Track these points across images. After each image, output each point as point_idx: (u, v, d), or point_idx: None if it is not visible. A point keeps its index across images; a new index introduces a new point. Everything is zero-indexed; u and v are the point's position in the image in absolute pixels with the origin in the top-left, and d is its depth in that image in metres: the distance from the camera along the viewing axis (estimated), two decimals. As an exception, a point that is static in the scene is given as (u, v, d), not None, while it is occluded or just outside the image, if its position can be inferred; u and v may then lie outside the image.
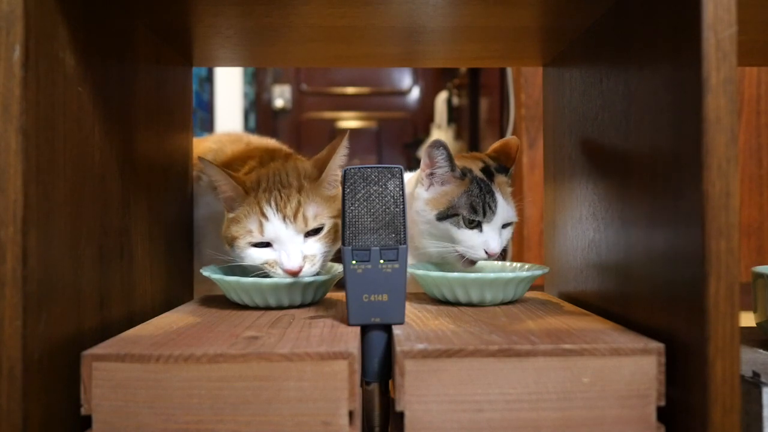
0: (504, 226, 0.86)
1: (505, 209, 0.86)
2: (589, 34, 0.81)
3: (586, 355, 0.57)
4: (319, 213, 0.80)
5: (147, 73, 0.81)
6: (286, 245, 0.78)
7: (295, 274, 0.77)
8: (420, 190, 0.87)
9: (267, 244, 0.79)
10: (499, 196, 0.85)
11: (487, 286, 0.78)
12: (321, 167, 0.84)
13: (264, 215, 0.78)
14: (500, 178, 0.88)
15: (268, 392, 0.56)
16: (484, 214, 0.84)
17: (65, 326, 0.59)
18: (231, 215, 0.82)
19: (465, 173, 0.86)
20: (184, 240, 0.96)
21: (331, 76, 3.78)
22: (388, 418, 0.65)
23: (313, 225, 0.80)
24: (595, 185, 0.78)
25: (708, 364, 0.52)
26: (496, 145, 0.94)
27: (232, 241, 0.81)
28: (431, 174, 0.86)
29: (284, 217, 0.78)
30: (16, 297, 0.52)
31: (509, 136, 0.94)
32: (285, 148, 1.00)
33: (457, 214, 0.84)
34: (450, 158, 0.85)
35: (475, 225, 0.84)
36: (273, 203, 0.79)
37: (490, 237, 0.84)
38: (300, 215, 0.79)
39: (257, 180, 0.82)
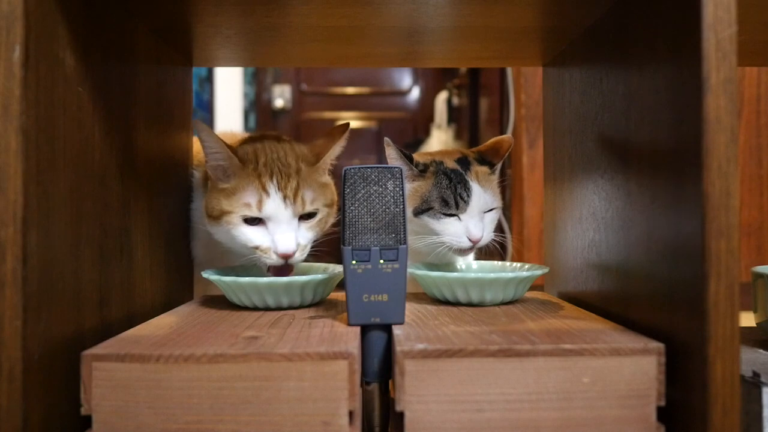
0: (487, 212, 0.87)
1: (481, 197, 0.86)
2: (589, 34, 0.81)
3: (586, 355, 0.57)
4: (315, 198, 0.81)
5: (147, 73, 0.81)
6: (282, 226, 0.77)
7: (287, 257, 0.76)
8: None
9: (260, 223, 0.78)
10: (474, 185, 0.86)
11: (487, 286, 0.77)
12: (318, 154, 0.84)
13: (265, 190, 0.77)
14: (479, 168, 0.88)
15: (268, 392, 0.56)
16: (457, 206, 0.85)
17: (65, 326, 0.59)
18: (222, 186, 0.79)
19: (426, 167, 0.87)
20: (184, 240, 0.96)
21: (331, 76, 3.78)
22: (388, 418, 0.65)
23: (309, 208, 0.80)
24: (595, 185, 0.78)
25: (708, 364, 0.52)
26: (489, 142, 0.95)
27: (220, 215, 0.79)
28: None
29: (284, 197, 0.77)
30: (16, 297, 0.52)
31: (505, 135, 0.94)
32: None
33: (431, 208, 0.85)
34: (402, 156, 0.86)
35: (452, 215, 0.85)
36: (275, 180, 0.78)
37: (471, 224, 0.85)
38: (299, 197, 0.79)
39: (254, 152, 0.81)
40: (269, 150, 0.82)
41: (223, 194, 0.79)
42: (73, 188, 0.61)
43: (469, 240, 0.84)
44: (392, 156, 0.86)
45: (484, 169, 0.89)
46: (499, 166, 0.92)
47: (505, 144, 0.92)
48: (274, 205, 0.77)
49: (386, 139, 0.86)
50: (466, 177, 0.86)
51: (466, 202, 0.85)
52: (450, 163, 0.88)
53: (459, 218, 0.85)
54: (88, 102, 0.65)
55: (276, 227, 0.78)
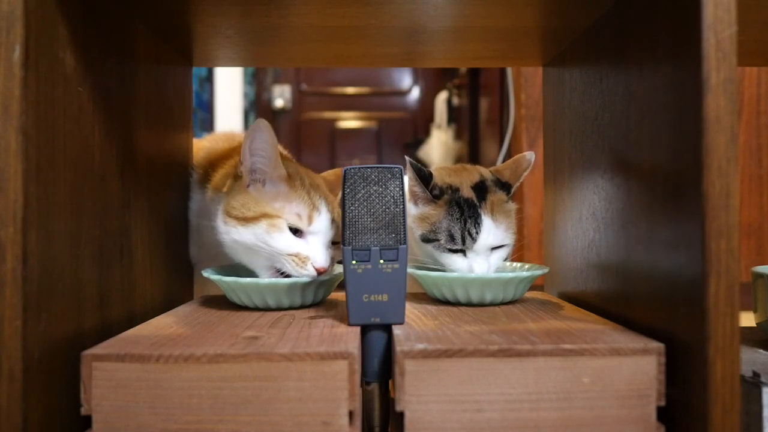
0: (496, 248, 0.82)
1: (491, 233, 0.81)
2: (589, 34, 0.81)
3: (586, 355, 0.57)
4: (338, 228, 0.82)
5: (147, 73, 0.81)
6: (322, 244, 0.79)
7: (321, 272, 0.77)
8: (410, 206, 0.84)
9: (301, 234, 0.78)
10: (486, 219, 0.81)
11: (487, 286, 0.77)
12: (334, 191, 0.87)
13: (316, 208, 0.79)
14: (496, 196, 0.83)
15: (268, 392, 0.56)
16: (464, 242, 0.80)
17: (65, 326, 0.59)
18: (260, 189, 0.78)
19: (442, 193, 0.82)
20: (184, 240, 0.96)
21: (331, 76, 3.78)
22: (388, 418, 0.65)
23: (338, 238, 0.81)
24: (595, 185, 0.78)
25: (708, 364, 0.52)
26: (509, 160, 0.89)
27: (257, 219, 0.77)
28: (414, 192, 0.84)
29: (332, 219, 0.80)
30: (16, 297, 0.52)
31: (525, 152, 0.88)
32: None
33: (437, 239, 0.81)
34: (420, 177, 0.82)
35: (458, 251, 0.81)
36: (323, 201, 0.80)
37: (475, 263, 0.80)
38: (337, 223, 0.80)
39: (296, 169, 0.82)
40: (305, 173, 0.84)
41: (264, 200, 0.78)
42: (73, 188, 0.61)
43: None
44: (410, 176, 0.82)
45: (501, 196, 0.84)
46: (516, 187, 0.86)
47: (524, 162, 0.86)
48: (323, 223, 0.79)
49: (406, 158, 0.82)
50: (479, 210, 0.81)
51: (474, 239, 0.80)
52: (466, 191, 0.82)
53: (464, 254, 0.81)
54: (88, 102, 0.65)
55: (315, 242, 0.78)
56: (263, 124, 0.77)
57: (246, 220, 0.78)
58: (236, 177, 0.82)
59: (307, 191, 0.80)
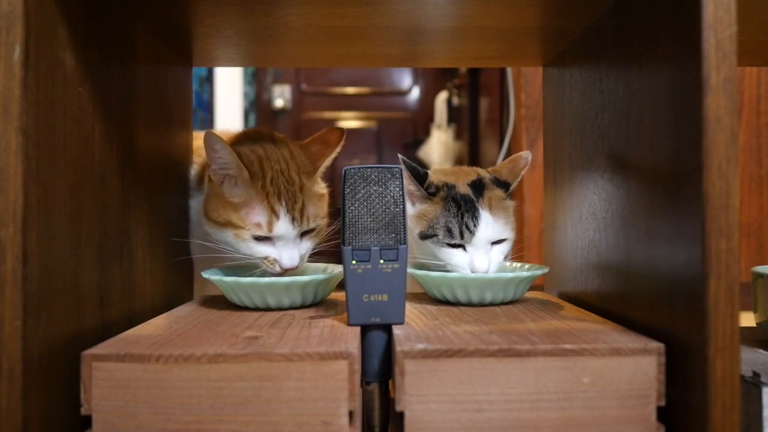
0: (497, 242, 0.82)
1: (490, 227, 0.81)
2: (589, 34, 0.81)
3: (586, 355, 0.57)
4: (316, 214, 0.84)
5: (147, 73, 0.81)
6: (288, 244, 0.81)
7: (290, 270, 0.81)
8: (408, 205, 0.84)
9: (267, 240, 0.81)
10: (484, 213, 0.81)
11: (487, 286, 0.77)
12: (315, 163, 0.86)
13: (275, 213, 0.80)
14: (493, 192, 0.84)
15: (268, 392, 0.56)
16: (462, 236, 0.80)
17: (65, 326, 0.59)
18: (229, 197, 0.81)
19: (438, 190, 0.83)
20: (185, 240, 0.96)
21: (331, 76, 3.78)
22: (388, 418, 0.65)
23: (312, 225, 0.83)
24: (595, 185, 0.78)
25: (708, 364, 0.52)
26: (507, 159, 0.89)
27: (226, 224, 0.81)
28: (410, 191, 0.84)
29: (292, 219, 0.81)
30: (16, 297, 0.52)
31: (523, 151, 0.89)
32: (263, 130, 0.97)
33: (435, 234, 0.81)
34: (414, 176, 0.82)
35: (457, 245, 0.81)
36: (284, 202, 0.80)
37: (475, 257, 0.80)
38: (304, 216, 0.82)
39: (260, 164, 0.82)
40: (273, 161, 0.83)
41: (231, 207, 0.81)
42: (73, 188, 0.61)
43: (473, 272, 0.80)
44: (405, 175, 0.81)
45: (499, 193, 0.84)
46: (514, 186, 0.87)
47: (521, 161, 0.87)
48: (283, 227, 0.80)
49: (400, 156, 0.83)
50: (476, 204, 0.81)
51: (472, 233, 0.80)
52: (462, 188, 0.83)
53: (464, 249, 0.81)
54: (88, 102, 0.65)
55: (283, 244, 0.81)
56: (215, 137, 0.79)
57: (218, 224, 0.82)
58: (210, 178, 0.84)
59: (266, 194, 0.80)
